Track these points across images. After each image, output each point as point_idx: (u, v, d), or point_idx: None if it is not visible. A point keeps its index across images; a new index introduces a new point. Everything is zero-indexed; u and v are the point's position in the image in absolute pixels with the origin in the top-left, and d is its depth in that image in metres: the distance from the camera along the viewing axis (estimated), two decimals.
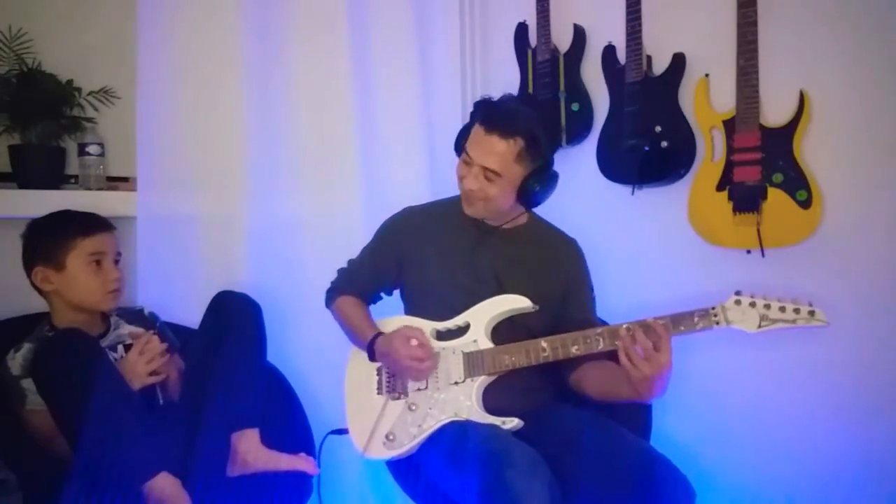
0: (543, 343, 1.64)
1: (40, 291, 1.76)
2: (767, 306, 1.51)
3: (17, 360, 1.68)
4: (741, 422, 2.07)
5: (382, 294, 1.92)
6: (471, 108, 2.52)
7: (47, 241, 1.73)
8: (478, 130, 1.67)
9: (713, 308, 1.54)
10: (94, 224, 1.77)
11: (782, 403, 2.02)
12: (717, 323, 1.53)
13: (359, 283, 1.90)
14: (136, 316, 1.89)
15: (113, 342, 1.80)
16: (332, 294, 1.92)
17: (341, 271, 1.94)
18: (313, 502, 1.84)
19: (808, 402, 1.98)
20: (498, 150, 1.64)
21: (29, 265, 1.74)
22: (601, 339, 1.60)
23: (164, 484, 1.51)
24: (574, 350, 1.63)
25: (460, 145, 1.73)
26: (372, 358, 1.77)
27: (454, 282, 1.75)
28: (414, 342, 1.69)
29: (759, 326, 1.51)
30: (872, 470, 1.88)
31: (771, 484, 2.01)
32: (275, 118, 2.21)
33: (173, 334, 1.94)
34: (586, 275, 1.84)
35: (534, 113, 1.71)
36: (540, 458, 1.50)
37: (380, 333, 1.76)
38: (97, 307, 1.78)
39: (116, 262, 1.80)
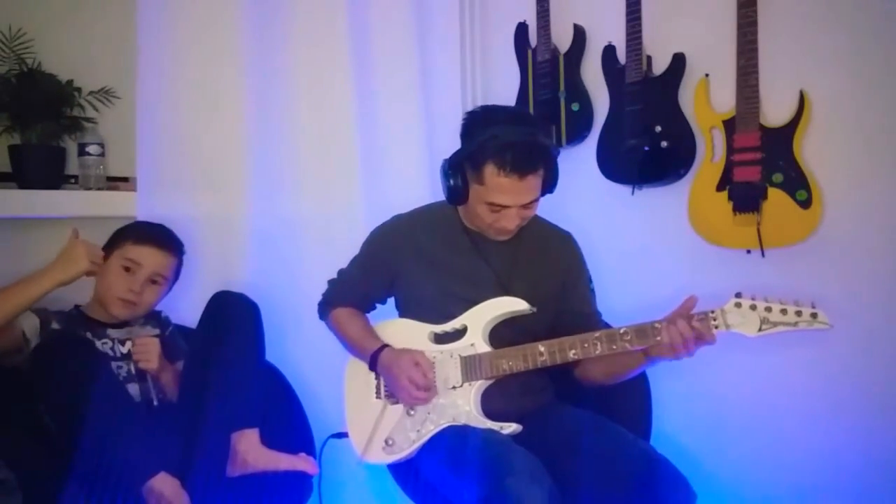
0: (541, 348, 1.63)
1: None
2: (768, 309, 1.48)
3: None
4: (741, 421, 2.07)
5: (376, 305, 1.89)
6: (471, 108, 2.57)
7: (116, 233, 1.86)
8: (505, 181, 1.56)
9: (712, 312, 1.52)
10: (149, 236, 1.84)
11: (781, 402, 2.02)
12: (717, 327, 1.51)
13: (350, 295, 1.86)
14: (152, 315, 1.90)
15: (123, 336, 1.81)
16: (326, 307, 1.89)
17: (332, 283, 1.90)
18: (313, 503, 1.84)
19: (807, 401, 1.98)
20: (535, 185, 1.60)
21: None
22: (599, 344, 1.59)
23: (163, 484, 1.52)
24: (572, 355, 1.61)
25: (460, 192, 1.65)
26: (373, 368, 1.74)
27: (452, 292, 1.72)
28: (420, 370, 1.66)
29: (760, 330, 1.48)
30: (873, 470, 1.88)
31: (771, 484, 2.01)
32: (275, 118, 2.21)
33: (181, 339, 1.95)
34: (584, 268, 1.83)
35: (530, 115, 1.69)
36: (540, 463, 1.49)
37: (386, 346, 1.73)
38: (104, 304, 1.81)
39: (155, 282, 1.83)
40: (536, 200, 1.65)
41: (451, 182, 1.65)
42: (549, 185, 1.65)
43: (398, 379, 1.67)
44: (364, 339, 1.77)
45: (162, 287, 1.86)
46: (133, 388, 1.76)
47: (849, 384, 1.91)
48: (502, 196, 1.60)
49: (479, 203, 1.64)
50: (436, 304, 1.74)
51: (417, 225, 1.81)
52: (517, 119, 1.64)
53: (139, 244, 1.81)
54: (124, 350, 1.79)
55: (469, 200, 1.66)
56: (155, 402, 1.77)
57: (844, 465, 1.91)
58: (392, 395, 1.74)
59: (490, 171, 1.58)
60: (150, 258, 1.81)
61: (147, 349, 1.77)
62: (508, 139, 1.56)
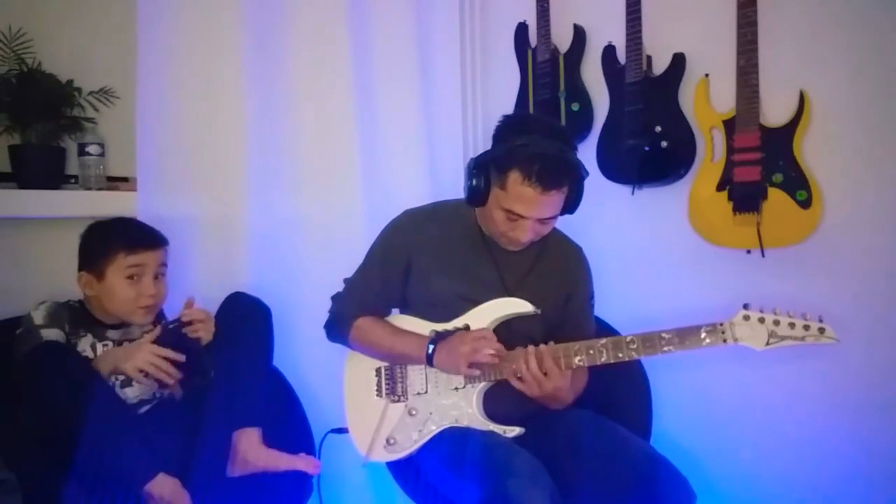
0: None
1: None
2: (776, 322, 1.48)
3: (39, 312, 1.70)
4: (741, 421, 2.07)
5: (392, 308, 1.84)
6: (471, 109, 2.58)
7: (93, 249, 1.76)
8: (528, 190, 1.54)
9: (721, 324, 1.51)
10: (140, 241, 1.77)
11: (781, 402, 2.02)
12: (725, 340, 1.50)
13: (368, 300, 1.79)
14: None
15: (121, 337, 1.78)
16: (341, 322, 1.80)
17: (342, 296, 1.83)
18: (313, 502, 1.84)
19: (806, 401, 1.98)
20: (556, 202, 1.58)
21: (79, 268, 1.77)
22: (605, 351, 1.59)
23: (163, 486, 1.53)
24: (577, 361, 1.61)
25: (481, 193, 1.62)
26: (430, 362, 1.67)
27: (460, 292, 1.71)
28: (484, 343, 1.62)
29: (768, 343, 1.48)
30: (872, 470, 1.88)
31: (771, 484, 2.02)
32: (275, 118, 2.21)
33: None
34: (589, 282, 1.82)
35: (565, 132, 1.65)
36: (541, 466, 1.49)
37: (437, 339, 1.67)
38: (128, 319, 1.77)
39: (159, 276, 1.79)
40: (554, 218, 1.63)
41: (474, 182, 1.62)
42: (570, 206, 1.62)
43: (464, 342, 1.62)
44: (407, 341, 1.71)
45: (165, 276, 1.82)
46: (134, 390, 1.75)
47: (848, 383, 1.91)
48: (521, 206, 1.57)
49: (496, 208, 1.61)
50: (442, 302, 1.72)
51: (432, 219, 1.78)
52: (552, 133, 1.60)
53: (133, 251, 1.74)
54: None
55: (488, 204, 1.63)
56: (155, 400, 1.75)
57: (845, 465, 1.91)
58: (394, 392, 1.74)
59: (514, 177, 1.55)
60: (149, 258, 1.77)
61: (161, 369, 1.68)
62: (540, 150, 1.54)
